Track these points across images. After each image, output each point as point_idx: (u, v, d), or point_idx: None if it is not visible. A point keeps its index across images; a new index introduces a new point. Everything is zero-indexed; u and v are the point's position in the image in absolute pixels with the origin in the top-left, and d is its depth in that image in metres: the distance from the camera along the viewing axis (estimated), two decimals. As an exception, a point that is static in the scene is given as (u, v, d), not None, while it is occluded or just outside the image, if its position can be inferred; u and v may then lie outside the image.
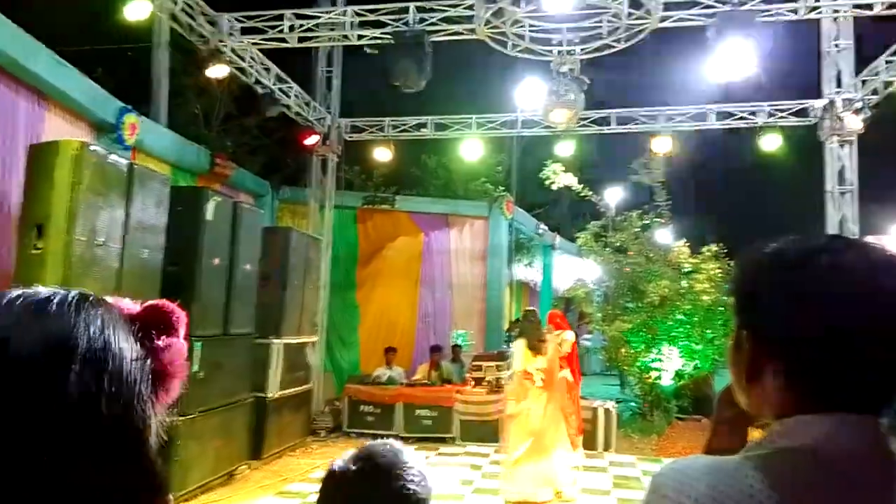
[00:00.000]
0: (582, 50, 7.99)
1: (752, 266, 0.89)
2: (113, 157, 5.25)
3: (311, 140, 10.07)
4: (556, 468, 6.33)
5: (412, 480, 1.35)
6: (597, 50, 7.97)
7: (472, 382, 9.21)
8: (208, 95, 12.20)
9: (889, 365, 0.79)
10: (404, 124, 10.64)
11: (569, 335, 7.49)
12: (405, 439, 8.75)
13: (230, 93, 11.69)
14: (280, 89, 9.31)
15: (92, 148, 5.02)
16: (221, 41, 7.93)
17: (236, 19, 8.02)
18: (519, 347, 6.54)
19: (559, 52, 8.07)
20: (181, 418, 5.52)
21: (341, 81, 10.79)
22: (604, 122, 10.08)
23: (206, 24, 7.80)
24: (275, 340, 7.69)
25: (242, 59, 8.46)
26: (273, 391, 7.63)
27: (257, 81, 8.93)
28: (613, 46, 7.86)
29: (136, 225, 5.38)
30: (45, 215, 4.66)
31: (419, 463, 1.40)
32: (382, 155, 10.67)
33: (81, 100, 6.68)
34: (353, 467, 1.37)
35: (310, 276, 8.76)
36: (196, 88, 11.71)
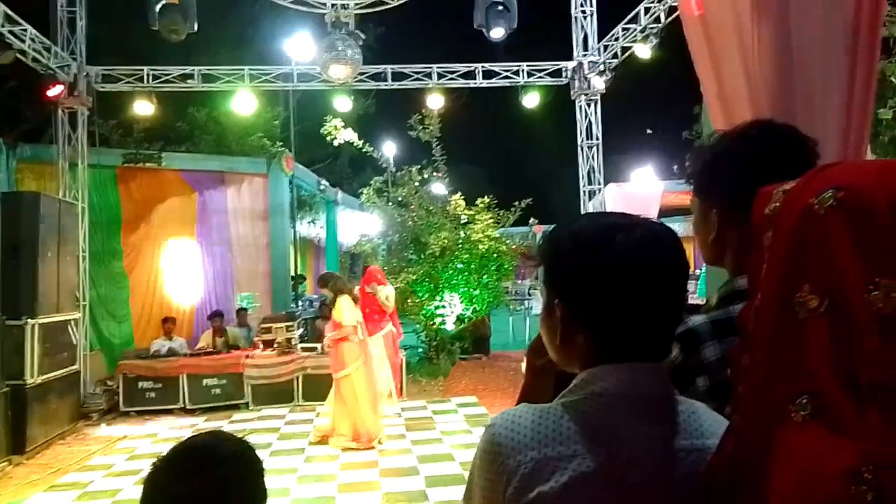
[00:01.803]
0: (356, 5, 7.92)
1: (557, 246, 1.03)
2: None
3: (55, 91, 8.82)
4: (377, 418, 6.75)
5: (223, 464, 1.31)
6: (372, 5, 7.96)
7: (262, 345, 8.99)
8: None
9: (662, 323, 0.99)
10: (167, 74, 9.75)
11: (390, 289, 7.82)
12: (192, 411, 8.37)
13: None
14: (10, 31, 7.98)
15: None
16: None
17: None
18: (347, 303, 6.63)
19: (333, 5, 7.92)
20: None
21: (87, 23, 9.51)
22: (379, 77, 10.15)
23: None
24: (29, 321, 6.79)
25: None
26: (32, 377, 6.78)
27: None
28: (387, 3, 7.91)
29: None
30: None
31: (235, 445, 1.37)
32: (143, 108, 9.71)
33: None
34: (165, 458, 1.31)
35: (65, 246, 7.81)
36: None
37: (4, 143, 9.55)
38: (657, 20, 8.54)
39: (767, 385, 0.76)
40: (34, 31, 8.42)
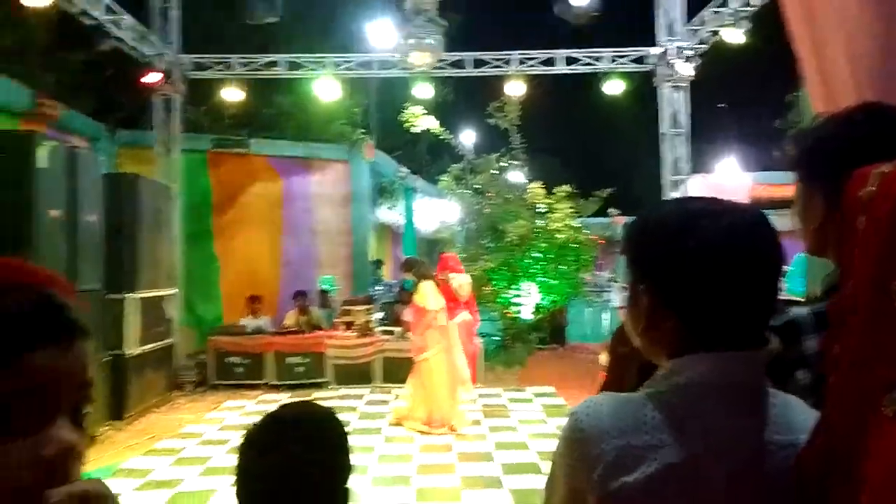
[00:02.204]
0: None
1: (642, 232, 1.01)
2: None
3: (153, 78, 9.27)
4: (454, 404, 6.78)
5: (311, 435, 1.32)
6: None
7: (343, 327, 9.20)
8: (24, 27, 10.75)
9: (756, 306, 0.95)
10: (254, 62, 10.07)
11: (466, 278, 7.78)
12: (277, 387, 8.67)
13: (50, 23, 10.37)
14: (111, 21, 8.42)
15: None
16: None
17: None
18: (431, 288, 6.70)
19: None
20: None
21: (181, 12, 9.92)
22: (459, 64, 10.15)
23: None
24: (129, 295, 7.19)
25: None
26: (132, 348, 7.19)
27: (84, 12, 7.99)
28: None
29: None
30: None
31: (323, 417, 1.38)
32: (232, 95, 10.08)
33: None
34: (256, 427, 1.33)
35: (162, 227, 8.22)
36: (9, 19, 10.28)
37: (106, 128, 10.11)
38: (748, 3, 8.16)
39: (860, 372, 0.75)
40: (132, 19, 8.85)
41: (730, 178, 11.96)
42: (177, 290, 8.94)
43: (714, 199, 0.99)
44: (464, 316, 7.90)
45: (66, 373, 0.68)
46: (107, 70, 11.21)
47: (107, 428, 6.66)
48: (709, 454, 0.88)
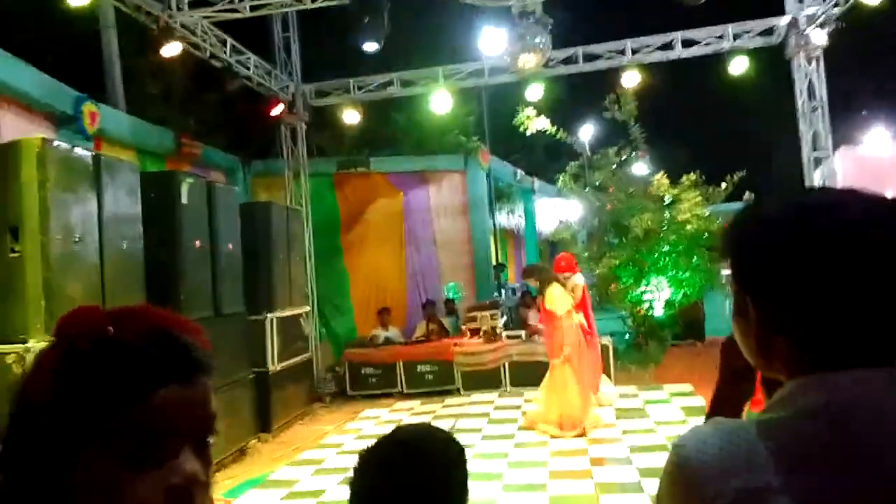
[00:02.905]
0: (543, -11, 7.82)
1: (743, 233, 0.87)
2: (78, 150, 5.10)
3: (277, 110, 9.87)
4: (587, 407, 6.70)
5: (429, 460, 1.31)
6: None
7: (469, 333, 9.30)
8: (164, 75, 11.85)
9: (886, 321, 0.78)
10: (370, 84, 10.44)
11: (579, 279, 7.53)
12: (408, 395, 8.90)
13: (186, 70, 11.36)
14: (238, 61, 9.07)
15: (55, 143, 4.88)
16: (171, 17, 7.67)
17: (185, -7, 7.74)
18: (558, 290, 6.68)
19: (520, -7, 7.90)
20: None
21: (300, 45, 10.52)
22: (570, 60, 9.95)
23: (152, 0, 7.52)
24: (268, 315, 7.68)
25: (194, 33, 8.18)
26: (273, 364, 7.66)
27: (212, 56, 8.67)
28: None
29: (110, 217, 5.26)
30: (17, 217, 4.55)
31: (442, 441, 1.37)
32: (351, 117, 10.50)
33: (36, 94, 6.47)
34: (372, 449, 1.35)
35: (294, 248, 8.72)
36: (150, 69, 11.38)
37: (241, 160, 10.89)
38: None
39: None
40: (256, 57, 9.48)
41: (881, 149, 10.82)
42: (310, 307, 9.43)
43: (827, 190, 0.86)
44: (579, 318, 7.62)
45: (190, 407, 0.73)
46: (239, 106, 12.10)
47: (254, 440, 7.13)
48: (835, 497, 0.73)
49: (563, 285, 6.93)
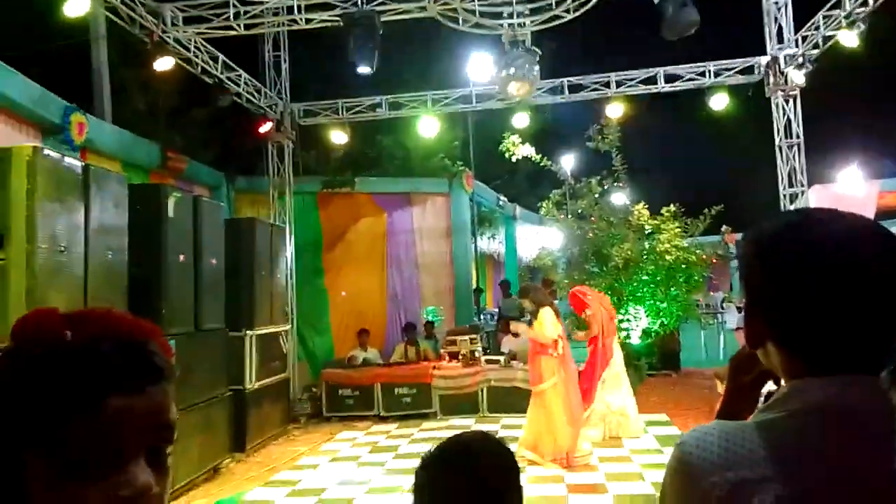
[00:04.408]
0: (532, 22, 8.01)
1: (744, 250, 0.96)
2: (67, 161, 5.10)
3: (266, 127, 9.91)
4: (575, 435, 6.62)
5: (494, 465, 1.38)
6: (547, 21, 8.00)
7: (448, 357, 9.31)
8: (152, 89, 11.85)
9: (876, 328, 0.87)
10: (358, 105, 10.54)
11: (591, 309, 7.50)
12: (385, 418, 8.86)
13: (176, 84, 11.37)
14: (228, 77, 9.11)
15: (45, 152, 4.86)
16: (165, 32, 7.71)
17: (179, 9, 7.79)
18: (549, 315, 6.57)
19: (509, 24, 8.07)
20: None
21: (290, 65, 10.60)
22: (556, 90, 10.15)
23: (147, 14, 7.56)
24: (248, 332, 7.63)
25: (188, 49, 8.23)
26: (251, 383, 7.60)
27: (204, 71, 8.71)
28: (562, 17, 7.90)
29: (97, 228, 5.25)
30: (4, 225, 4.52)
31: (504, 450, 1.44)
32: (338, 138, 10.57)
33: (25, 102, 6.46)
34: (438, 451, 1.41)
35: (276, 266, 8.69)
36: (139, 82, 11.38)
37: (226, 176, 10.88)
38: (864, 3, 7.69)
39: None
40: (247, 75, 9.54)
41: (854, 188, 11.12)
42: (289, 326, 9.38)
43: (831, 213, 0.92)
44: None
45: (144, 415, 0.69)
46: (226, 123, 12.12)
47: (229, 460, 7.04)
48: (822, 488, 0.82)
49: (557, 312, 6.91)
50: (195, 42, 8.31)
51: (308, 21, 7.86)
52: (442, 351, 9.62)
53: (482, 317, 12.65)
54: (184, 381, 6.07)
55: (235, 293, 7.49)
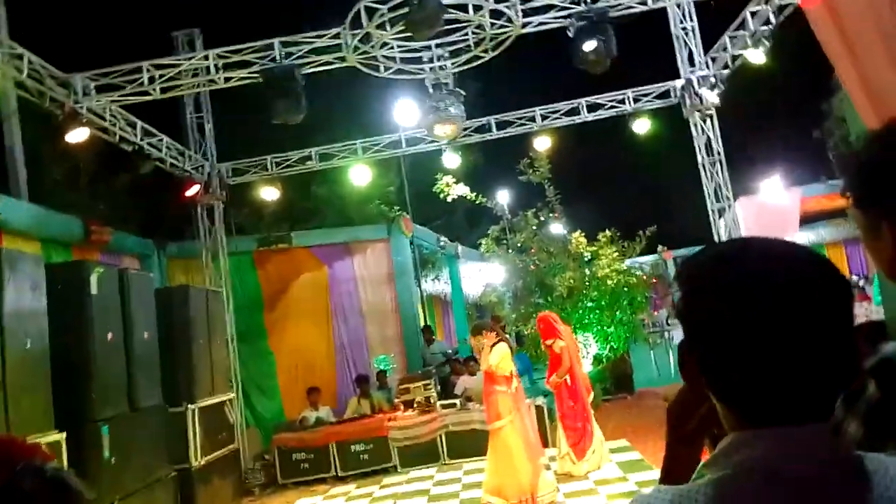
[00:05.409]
0: (453, 64, 8.10)
1: (679, 286, 0.88)
2: (-27, 246, 4.78)
3: (192, 191, 9.64)
4: (537, 472, 6.40)
5: None
6: (467, 62, 8.11)
7: (402, 406, 9.08)
8: (70, 160, 11.44)
9: (821, 375, 0.78)
10: (288, 159, 10.39)
11: (561, 343, 7.42)
12: (343, 478, 8.52)
13: (94, 153, 10.99)
14: (149, 143, 8.85)
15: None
16: (77, 103, 7.44)
17: (90, 78, 7.55)
18: (502, 351, 6.33)
19: (431, 68, 8.15)
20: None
21: (213, 124, 10.40)
22: (483, 128, 10.27)
23: (57, 87, 7.29)
24: (189, 406, 7.27)
25: (103, 118, 7.95)
26: (197, 459, 7.20)
27: (122, 139, 8.43)
28: (482, 57, 8.02)
29: (11, 314, 4.92)
30: None
31: None
32: (270, 194, 10.38)
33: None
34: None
35: (215, 332, 8.37)
36: (55, 154, 10.96)
37: (155, 243, 10.50)
38: (767, 22, 8.08)
39: None
40: (169, 139, 9.29)
41: (777, 196, 11.58)
42: (234, 393, 9.00)
43: (765, 242, 0.85)
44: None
45: None
46: (150, 189, 11.75)
47: (180, 545, 6.62)
48: None
49: (511, 347, 6.77)
50: (111, 110, 8.04)
51: (227, 80, 7.73)
52: (396, 400, 9.39)
53: (428, 357, 12.40)
54: (122, 467, 5.70)
55: (172, 366, 7.16)
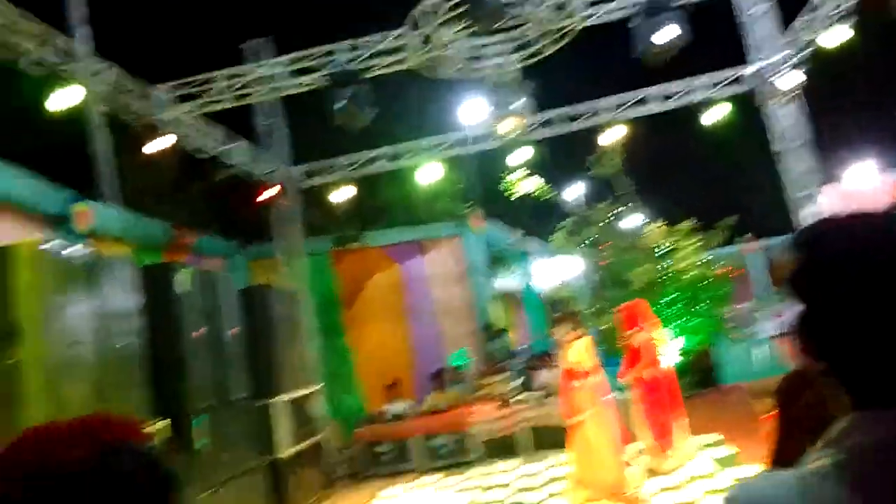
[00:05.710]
0: (517, 58, 8.07)
1: (797, 264, 0.84)
2: (70, 251, 5.11)
3: (268, 194, 9.98)
4: (622, 467, 6.29)
5: None
6: (530, 56, 8.06)
7: (482, 401, 9.10)
8: (156, 168, 12.02)
9: None
10: (358, 161, 10.62)
11: (644, 335, 7.28)
12: (424, 471, 8.61)
13: (177, 161, 11.52)
14: (226, 150, 9.24)
15: (47, 246, 4.89)
16: (158, 113, 7.85)
17: (170, 89, 7.95)
18: (583, 346, 6.24)
19: (494, 65, 8.15)
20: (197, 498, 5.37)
21: (288, 128, 10.73)
22: (550, 122, 10.17)
23: (139, 99, 7.72)
24: (276, 398, 7.54)
25: (182, 127, 8.36)
26: (285, 450, 7.46)
27: (201, 147, 8.83)
28: (544, 52, 7.96)
29: (105, 315, 5.21)
30: (13, 323, 4.52)
31: None
32: (343, 194, 10.62)
33: (27, 197, 6.57)
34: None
35: (296, 329, 8.66)
36: (141, 163, 11.55)
37: (238, 244, 10.94)
38: (839, 5, 7.66)
39: None
40: (245, 144, 9.66)
41: (867, 182, 10.95)
42: (317, 386, 9.27)
43: (826, 219, 0.83)
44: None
45: None
46: (230, 193, 12.23)
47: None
48: None
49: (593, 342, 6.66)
50: (188, 119, 8.44)
51: (296, 85, 7.98)
52: (475, 395, 9.42)
53: (513, 355, 12.38)
54: (215, 457, 5.97)
55: (257, 361, 7.43)
